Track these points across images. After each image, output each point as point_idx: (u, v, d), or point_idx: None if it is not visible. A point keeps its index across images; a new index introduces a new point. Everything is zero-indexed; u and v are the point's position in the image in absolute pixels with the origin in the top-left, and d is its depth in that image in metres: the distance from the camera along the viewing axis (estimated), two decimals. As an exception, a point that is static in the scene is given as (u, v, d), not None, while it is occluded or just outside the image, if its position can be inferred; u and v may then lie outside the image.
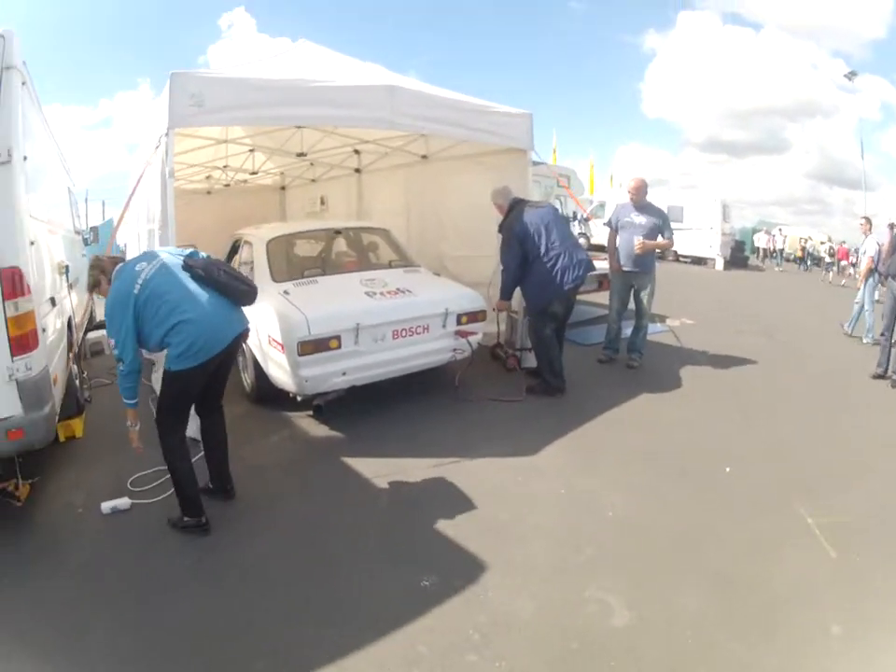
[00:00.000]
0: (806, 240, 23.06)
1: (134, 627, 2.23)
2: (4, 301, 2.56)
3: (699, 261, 18.51)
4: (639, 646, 2.13)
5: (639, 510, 3.08)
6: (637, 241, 5.28)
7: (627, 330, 5.72)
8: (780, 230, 24.01)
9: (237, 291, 2.82)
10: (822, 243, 22.85)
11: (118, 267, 2.80)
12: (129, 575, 2.57)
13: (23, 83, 2.85)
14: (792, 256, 23.48)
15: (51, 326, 3.20)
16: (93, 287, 2.89)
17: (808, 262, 22.51)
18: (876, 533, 2.91)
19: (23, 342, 2.64)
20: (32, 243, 2.81)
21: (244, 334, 2.91)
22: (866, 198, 25.73)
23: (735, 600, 2.41)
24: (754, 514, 3.06)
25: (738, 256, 19.88)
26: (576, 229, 17.10)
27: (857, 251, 10.72)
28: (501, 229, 4.71)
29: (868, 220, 8.21)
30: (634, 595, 2.39)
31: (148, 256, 2.84)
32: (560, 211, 14.73)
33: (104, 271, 2.83)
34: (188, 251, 2.90)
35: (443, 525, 2.85)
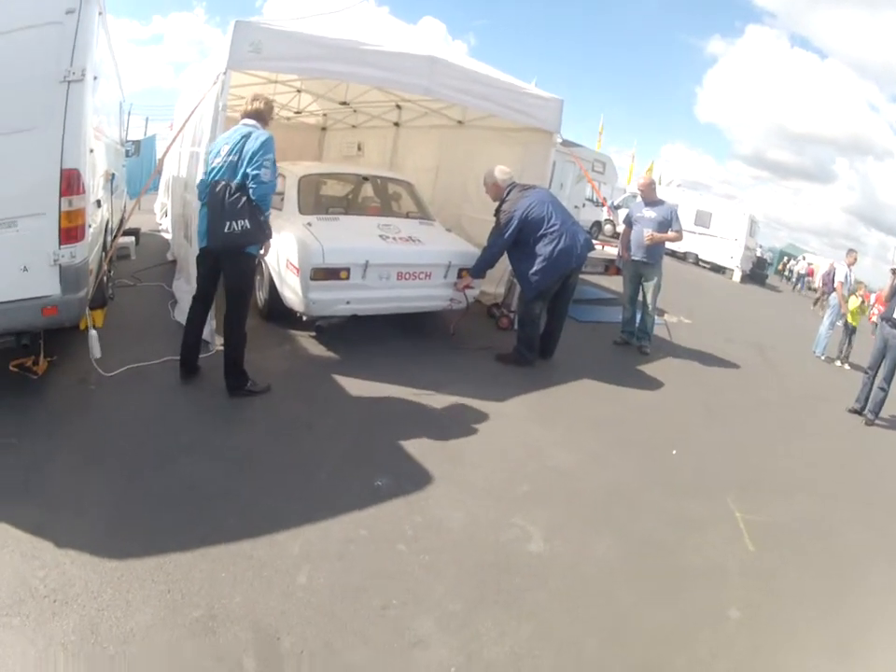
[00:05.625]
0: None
1: (129, 480, 2.55)
2: (61, 196, 2.79)
3: (718, 269, 18.21)
4: (546, 572, 2.40)
5: (580, 466, 3.34)
6: (647, 233, 5.52)
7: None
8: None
9: (214, 224, 3.15)
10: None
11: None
12: (134, 439, 2.87)
13: (100, 13, 3.05)
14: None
15: (94, 225, 3.46)
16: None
17: None
18: (797, 538, 3.08)
19: (72, 233, 2.88)
20: (91, 151, 3.07)
21: (213, 250, 3.26)
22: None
23: (644, 560, 2.61)
24: (687, 495, 3.22)
25: (758, 272, 19.66)
26: (605, 214, 17.16)
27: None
28: (498, 211, 4.58)
29: (853, 252, 8.44)
30: (553, 531, 2.66)
31: (228, 150, 3.17)
32: (592, 194, 14.92)
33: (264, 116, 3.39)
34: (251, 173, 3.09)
35: (406, 442, 3.17)
